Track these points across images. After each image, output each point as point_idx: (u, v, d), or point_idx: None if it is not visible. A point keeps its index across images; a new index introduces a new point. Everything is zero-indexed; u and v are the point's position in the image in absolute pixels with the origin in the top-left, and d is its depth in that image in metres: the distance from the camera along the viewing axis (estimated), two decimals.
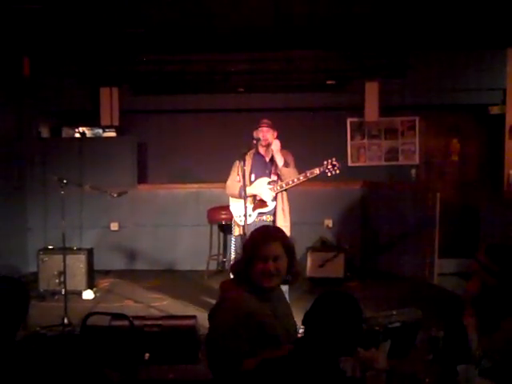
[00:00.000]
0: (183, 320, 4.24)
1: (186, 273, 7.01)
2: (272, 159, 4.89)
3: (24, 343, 2.25)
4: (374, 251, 7.11)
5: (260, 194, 4.81)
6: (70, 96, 7.30)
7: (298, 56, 7.01)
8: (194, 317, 4.26)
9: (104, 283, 6.46)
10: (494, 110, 7.19)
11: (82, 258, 5.94)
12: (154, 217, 7.25)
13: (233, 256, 5.64)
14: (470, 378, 2.23)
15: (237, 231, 5.03)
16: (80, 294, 5.83)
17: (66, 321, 4.84)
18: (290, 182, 4.76)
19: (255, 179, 4.90)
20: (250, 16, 5.53)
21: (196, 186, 7.33)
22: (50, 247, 6.07)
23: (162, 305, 5.57)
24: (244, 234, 4.52)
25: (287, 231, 4.69)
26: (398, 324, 2.52)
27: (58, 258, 5.38)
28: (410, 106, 7.38)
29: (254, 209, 4.86)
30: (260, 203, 4.86)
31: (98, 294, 6.01)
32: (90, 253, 6.08)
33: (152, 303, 5.61)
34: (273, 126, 4.88)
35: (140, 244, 7.27)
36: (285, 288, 2.91)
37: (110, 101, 7.12)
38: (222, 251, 7.10)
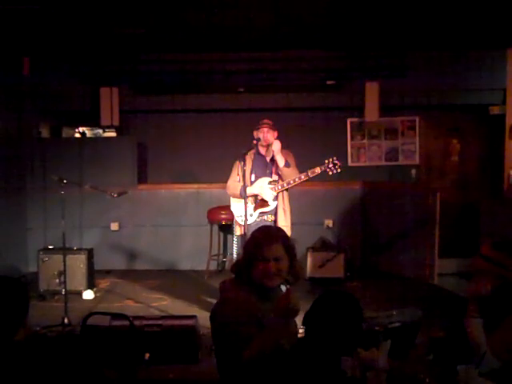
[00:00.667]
0: (183, 320, 4.24)
1: (186, 273, 7.01)
2: (272, 159, 4.89)
3: (24, 343, 2.25)
4: (374, 251, 7.11)
5: (261, 193, 4.81)
6: (69, 96, 7.30)
7: (297, 56, 7.01)
8: (194, 317, 4.26)
9: (104, 283, 6.45)
10: (494, 110, 7.19)
11: (82, 257, 5.94)
12: (154, 217, 7.25)
13: (235, 256, 5.65)
14: (470, 377, 2.23)
15: (238, 231, 5.03)
16: (80, 293, 5.83)
17: (66, 321, 4.83)
18: (292, 182, 4.76)
19: (256, 179, 4.90)
20: (250, 16, 5.53)
21: (196, 185, 7.33)
22: (50, 247, 6.07)
23: (162, 305, 5.57)
24: (244, 233, 4.52)
25: (288, 231, 4.69)
26: (398, 324, 2.52)
27: (58, 257, 5.38)
28: (410, 106, 7.38)
29: (255, 209, 4.87)
30: (261, 203, 4.86)
31: (98, 294, 6.00)
32: (90, 253, 6.07)
33: (152, 303, 5.61)
34: (273, 127, 4.88)
35: (140, 244, 7.27)
36: (285, 288, 2.91)
37: (110, 101, 7.12)
38: (222, 251, 7.11)
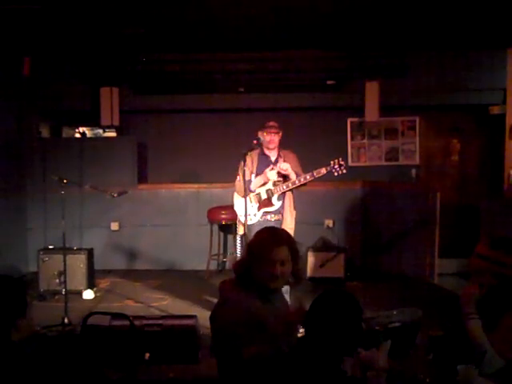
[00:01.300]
0: (183, 320, 4.24)
1: (186, 273, 7.01)
2: (277, 159, 4.91)
3: (24, 343, 2.25)
4: (374, 251, 7.12)
5: (267, 176, 4.80)
6: (69, 96, 7.29)
7: (297, 56, 7.01)
8: (194, 316, 4.26)
9: (104, 283, 6.46)
10: (494, 110, 7.19)
11: (82, 257, 5.94)
12: (154, 217, 7.25)
13: (238, 255, 5.66)
14: (470, 377, 2.22)
15: (241, 230, 5.03)
16: (80, 293, 5.83)
17: (66, 321, 4.84)
18: (297, 182, 4.76)
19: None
20: (250, 16, 5.53)
21: (196, 185, 7.34)
22: (50, 247, 6.07)
23: (162, 304, 5.58)
24: (244, 233, 4.52)
25: (291, 233, 4.71)
26: (398, 324, 2.51)
27: (59, 257, 5.38)
28: (410, 106, 7.38)
29: (259, 208, 4.86)
30: (265, 202, 4.86)
31: (98, 294, 6.01)
32: (90, 253, 6.08)
33: (152, 303, 5.62)
34: (280, 129, 4.89)
35: (140, 244, 7.27)
36: (285, 288, 2.92)
37: (110, 101, 7.12)
38: (222, 251, 7.11)
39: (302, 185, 4.80)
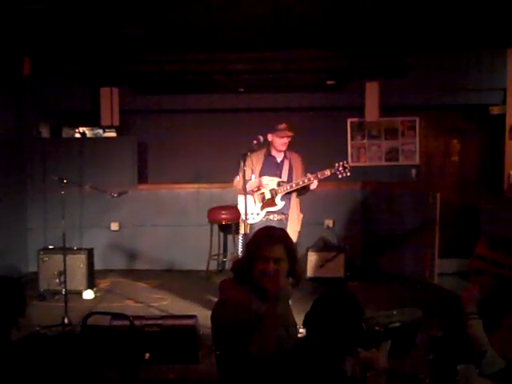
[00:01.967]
0: (183, 320, 4.23)
1: (186, 273, 7.01)
2: (283, 161, 4.91)
3: (24, 343, 2.25)
4: (374, 251, 7.12)
5: (263, 183, 4.80)
6: (69, 96, 7.30)
7: (297, 56, 7.00)
8: (194, 316, 4.25)
9: (104, 283, 6.46)
10: (494, 111, 7.19)
11: (82, 257, 5.94)
12: (154, 217, 7.25)
13: (240, 255, 5.65)
14: (470, 377, 2.23)
15: (243, 229, 5.03)
16: (80, 293, 5.83)
17: (66, 321, 4.84)
18: (300, 183, 4.76)
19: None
20: (250, 16, 5.53)
21: (196, 186, 7.33)
22: (50, 247, 6.06)
23: (162, 304, 5.58)
24: (245, 233, 4.52)
25: (295, 236, 4.71)
26: (398, 324, 2.51)
27: (58, 257, 5.38)
28: (410, 106, 7.38)
29: (262, 208, 4.87)
30: (269, 202, 4.86)
31: (98, 294, 6.00)
32: (90, 253, 6.08)
33: (152, 303, 5.62)
34: (292, 131, 4.88)
35: (140, 244, 7.27)
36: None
37: (110, 101, 7.12)
38: (222, 251, 7.11)
39: (304, 186, 4.80)
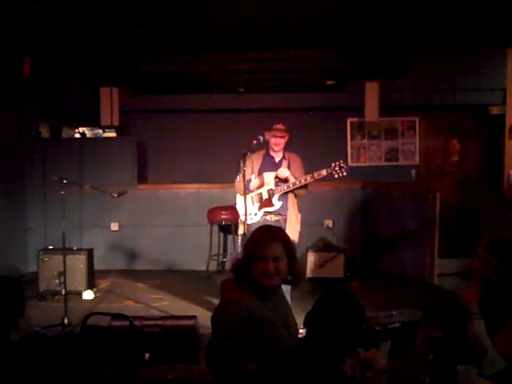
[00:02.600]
0: (183, 320, 4.23)
1: (186, 273, 7.01)
2: (281, 160, 4.91)
3: (23, 343, 2.25)
4: (374, 251, 7.11)
5: (265, 180, 4.81)
6: (69, 96, 7.30)
7: (297, 56, 7.00)
8: (194, 317, 4.25)
9: (104, 283, 6.46)
10: (494, 111, 7.19)
11: (82, 258, 5.93)
12: (154, 217, 7.25)
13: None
14: (470, 378, 2.23)
15: (242, 229, 5.03)
16: (80, 294, 5.83)
17: (66, 321, 4.84)
18: (297, 183, 4.76)
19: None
20: (250, 16, 5.53)
21: (196, 186, 7.33)
22: (50, 247, 6.06)
23: (162, 305, 5.57)
24: (244, 233, 4.52)
25: (296, 236, 4.71)
26: (398, 324, 2.51)
27: (58, 258, 5.38)
28: (410, 106, 7.38)
29: (259, 208, 4.86)
30: (266, 202, 4.86)
31: (98, 294, 6.00)
32: (89, 253, 6.07)
33: (152, 303, 5.61)
34: (287, 132, 4.89)
35: (140, 244, 7.27)
36: (286, 288, 2.91)
37: (110, 101, 7.12)
38: (222, 251, 7.11)
39: (302, 186, 4.80)
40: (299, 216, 4.92)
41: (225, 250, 7.23)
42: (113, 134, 7.51)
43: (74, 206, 6.78)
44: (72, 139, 7.55)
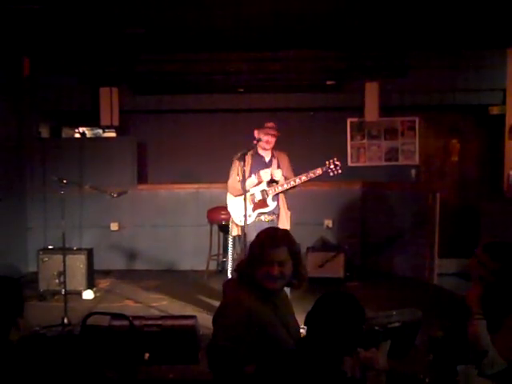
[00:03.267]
0: (183, 320, 4.23)
1: (185, 273, 7.01)
2: (271, 160, 4.91)
3: (23, 343, 2.25)
4: (373, 251, 7.11)
5: (262, 177, 4.80)
6: (69, 96, 7.30)
7: (297, 56, 7.00)
8: (193, 317, 4.25)
9: (104, 283, 6.46)
10: (494, 111, 7.19)
11: (82, 258, 5.93)
12: (154, 217, 7.25)
13: (230, 257, 5.65)
14: (470, 377, 2.23)
15: (235, 231, 5.03)
16: (80, 294, 5.83)
17: (66, 321, 4.84)
18: (292, 183, 4.76)
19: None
20: (250, 16, 5.53)
21: (196, 186, 7.33)
22: (50, 247, 6.06)
23: (161, 305, 5.57)
24: (240, 234, 4.52)
25: None
26: (397, 324, 2.51)
27: (58, 257, 5.38)
28: (410, 106, 7.38)
29: (254, 209, 4.86)
30: (260, 203, 4.86)
31: (97, 294, 6.00)
32: (89, 253, 6.07)
33: (152, 303, 5.61)
34: (278, 131, 4.89)
35: (140, 244, 7.27)
36: (286, 288, 2.91)
37: (109, 101, 7.12)
38: (221, 251, 7.10)
39: (296, 186, 4.80)
40: (289, 213, 4.92)
41: (224, 251, 7.22)
42: (113, 134, 7.51)
43: (73, 206, 6.78)
44: (72, 139, 7.55)
